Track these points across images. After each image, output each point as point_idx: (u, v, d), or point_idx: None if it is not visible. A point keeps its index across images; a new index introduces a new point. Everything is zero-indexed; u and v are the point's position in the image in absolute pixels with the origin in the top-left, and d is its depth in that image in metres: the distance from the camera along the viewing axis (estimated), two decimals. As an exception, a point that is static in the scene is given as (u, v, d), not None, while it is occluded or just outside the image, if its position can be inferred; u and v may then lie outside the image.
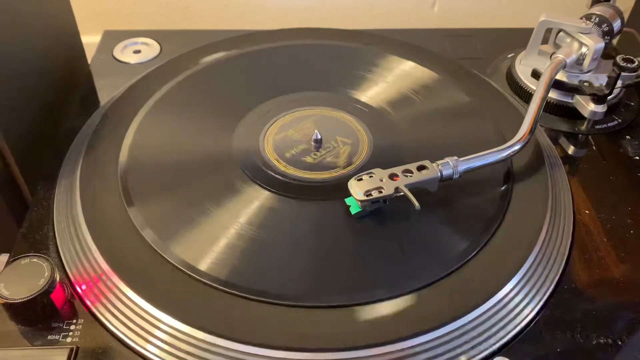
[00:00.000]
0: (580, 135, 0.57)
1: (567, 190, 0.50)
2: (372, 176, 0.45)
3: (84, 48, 0.68)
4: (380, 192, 0.44)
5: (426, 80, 0.59)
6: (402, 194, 0.44)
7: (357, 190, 0.44)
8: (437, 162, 0.45)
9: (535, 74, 0.60)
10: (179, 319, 0.38)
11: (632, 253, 0.46)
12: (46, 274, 0.39)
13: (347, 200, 0.45)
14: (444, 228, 0.45)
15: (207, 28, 0.71)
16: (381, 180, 0.44)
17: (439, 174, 0.45)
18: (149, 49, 0.67)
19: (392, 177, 0.45)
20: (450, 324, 0.39)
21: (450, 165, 0.45)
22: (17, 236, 0.46)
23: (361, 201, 0.44)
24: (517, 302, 0.41)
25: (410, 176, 0.44)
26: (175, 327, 0.38)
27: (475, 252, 0.43)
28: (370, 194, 0.43)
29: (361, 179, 0.44)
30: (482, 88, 0.59)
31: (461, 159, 0.46)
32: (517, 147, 0.48)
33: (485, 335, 0.39)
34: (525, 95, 0.60)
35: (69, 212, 0.46)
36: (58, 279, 0.40)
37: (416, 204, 0.42)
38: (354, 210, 0.45)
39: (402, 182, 0.44)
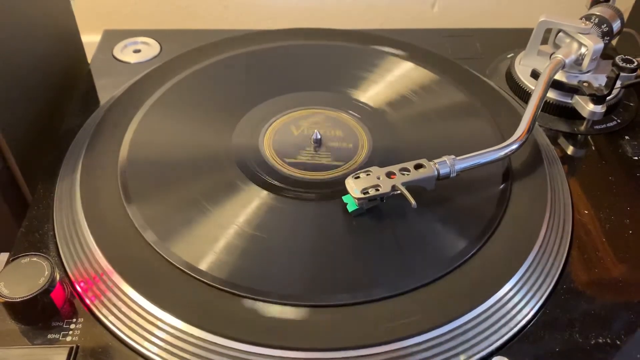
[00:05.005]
0: (579, 136, 0.57)
1: (566, 190, 0.51)
2: (369, 174, 0.45)
3: (84, 47, 0.69)
4: (377, 190, 0.44)
5: (425, 80, 0.59)
6: (399, 192, 0.44)
7: (354, 187, 0.44)
8: (435, 160, 0.46)
9: (535, 74, 0.60)
10: (179, 317, 0.38)
11: (631, 253, 0.46)
12: (46, 272, 0.39)
13: (345, 198, 0.45)
14: (443, 227, 0.45)
15: (207, 28, 0.71)
16: (378, 178, 0.44)
17: (436, 172, 0.45)
18: (149, 49, 0.67)
19: (389, 175, 0.45)
20: (449, 323, 0.39)
21: (448, 164, 0.45)
22: (17, 235, 0.46)
23: (358, 199, 0.44)
24: (516, 302, 0.41)
25: (408, 174, 0.45)
26: (175, 326, 0.38)
27: (474, 252, 0.43)
28: (367, 192, 0.44)
29: (358, 177, 0.45)
30: (482, 88, 0.59)
31: (458, 157, 0.46)
32: (514, 146, 0.48)
33: (484, 335, 0.39)
34: (525, 96, 0.60)
35: (69, 211, 0.46)
36: (58, 278, 0.40)
37: (412, 202, 0.42)
38: (351, 208, 0.45)
39: (399, 180, 0.44)
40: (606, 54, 0.58)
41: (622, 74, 0.55)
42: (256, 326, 0.38)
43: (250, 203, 0.46)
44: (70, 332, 0.39)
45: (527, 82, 0.60)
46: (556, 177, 0.51)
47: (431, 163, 0.45)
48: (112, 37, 0.68)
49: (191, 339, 0.38)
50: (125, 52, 0.66)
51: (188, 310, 0.39)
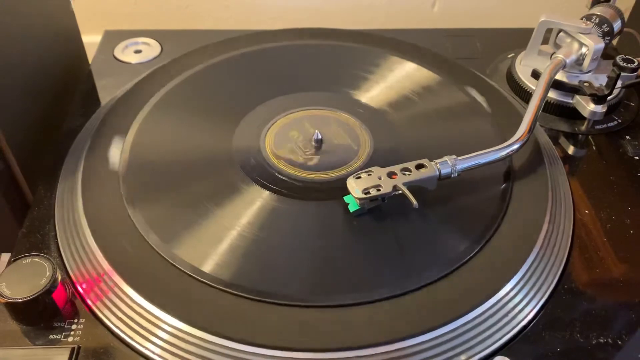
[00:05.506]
0: (580, 136, 0.57)
1: (567, 190, 0.51)
2: (370, 174, 0.45)
3: (84, 48, 0.69)
4: (379, 190, 0.44)
5: (426, 80, 0.59)
6: (400, 192, 0.44)
7: (356, 188, 0.44)
8: (436, 160, 0.46)
9: (535, 74, 0.60)
10: (180, 318, 0.39)
11: (632, 253, 0.46)
12: (48, 273, 0.39)
13: (346, 198, 0.45)
14: (444, 227, 0.45)
15: (207, 28, 0.71)
16: (379, 179, 0.44)
17: (437, 172, 0.45)
18: (150, 49, 0.67)
19: (391, 175, 0.45)
20: (450, 323, 0.39)
21: (449, 164, 0.45)
22: (18, 236, 0.46)
23: (359, 199, 0.44)
24: (517, 302, 0.41)
25: (409, 174, 0.45)
26: (176, 327, 0.38)
27: (475, 252, 0.43)
28: (369, 192, 0.44)
29: (360, 177, 0.45)
30: (482, 88, 0.59)
31: (460, 157, 0.46)
32: (515, 147, 0.48)
33: (486, 335, 0.39)
34: (526, 96, 0.60)
35: (70, 211, 0.46)
36: (59, 279, 0.40)
37: (414, 202, 0.42)
38: (352, 208, 0.45)
39: (400, 180, 0.44)
40: (607, 54, 0.58)
41: (622, 73, 0.55)
42: (257, 327, 0.38)
43: (251, 204, 0.46)
44: (72, 333, 0.39)
45: (528, 82, 0.60)
46: (557, 177, 0.51)
47: (432, 163, 0.45)
48: (113, 38, 0.68)
49: (192, 339, 0.38)
50: (126, 53, 0.66)
51: (189, 311, 0.39)
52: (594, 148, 0.56)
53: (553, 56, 0.57)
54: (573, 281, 0.44)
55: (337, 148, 0.52)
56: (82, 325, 0.40)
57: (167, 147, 0.51)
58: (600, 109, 0.55)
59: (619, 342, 0.40)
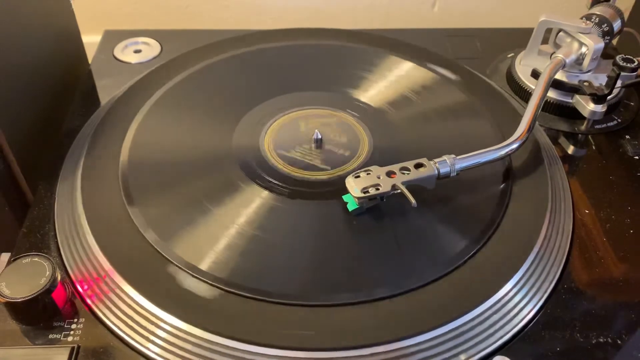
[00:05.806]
0: (579, 135, 0.57)
1: (566, 190, 0.51)
2: (369, 173, 0.45)
3: (84, 48, 0.69)
4: (378, 189, 0.44)
5: (426, 80, 0.59)
6: (399, 191, 0.44)
7: (355, 187, 0.44)
8: (435, 159, 0.46)
9: (535, 74, 0.60)
10: (180, 317, 0.39)
11: (632, 252, 0.46)
12: (47, 273, 0.39)
13: (345, 197, 0.45)
14: (443, 227, 0.45)
15: (207, 28, 0.71)
16: (378, 178, 0.44)
17: (436, 171, 0.45)
18: (150, 49, 0.67)
19: (390, 174, 0.45)
20: (450, 322, 0.39)
21: (448, 164, 0.45)
22: (18, 235, 0.46)
23: (358, 198, 0.44)
24: (517, 301, 0.41)
25: (408, 174, 0.45)
26: (176, 326, 0.38)
27: (475, 251, 0.43)
28: (368, 191, 0.44)
29: (359, 176, 0.45)
30: (482, 88, 0.59)
31: (459, 157, 0.46)
32: (514, 146, 0.48)
33: (485, 334, 0.39)
34: (525, 95, 0.60)
35: (70, 211, 0.46)
36: (59, 278, 0.40)
37: (412, 201, 0.43)
38: (351, 207, 0.45)
39: (399, 179, 0.44)
40: (607, 54, 0.58)
41: (622, 73, 0.55)
42: (257, 326, 0.38)
43: (251, 203, 0.46)
44: (72, 332, 0.40)
45: (528, 81, 0.60)
46: (557, 177, 0.51)
47: (431, 162, 0.45)
48: (112, 38, 0.68)
49: (192, 338, 0.38)
50: (126, 53, 0.66)
51: (189, 310, 0.39)
52: (593, 148, 0.56)
53: (553, 56, 0.57)
54: (573, 281, 0.44)
55: (337, 147, 0.52)
56: (81, 325, 0.40)
57: (167, 146, 0.51)
58: (600, 108, 0.55)
59: (619, 342, 0.40)
